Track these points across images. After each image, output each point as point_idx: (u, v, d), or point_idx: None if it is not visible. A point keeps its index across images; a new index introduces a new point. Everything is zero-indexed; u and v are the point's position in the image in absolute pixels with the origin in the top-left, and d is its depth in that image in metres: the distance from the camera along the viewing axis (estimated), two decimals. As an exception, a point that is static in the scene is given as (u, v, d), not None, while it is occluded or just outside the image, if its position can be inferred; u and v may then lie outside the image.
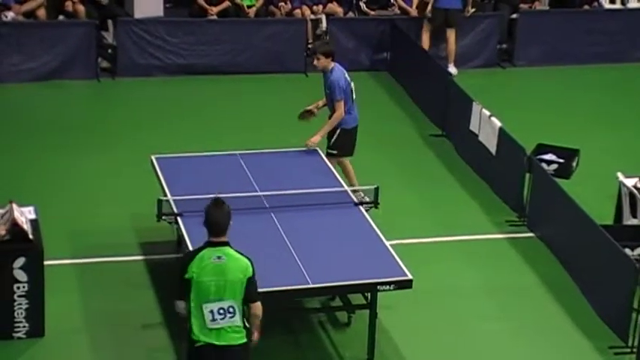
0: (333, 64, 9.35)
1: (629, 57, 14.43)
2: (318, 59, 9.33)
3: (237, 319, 6.24)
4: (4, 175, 10.29)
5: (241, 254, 6.29)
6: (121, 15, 13.49)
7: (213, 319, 6.17)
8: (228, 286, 6.18)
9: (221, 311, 6.17)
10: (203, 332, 6.24)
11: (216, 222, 6.22)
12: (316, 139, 9.29)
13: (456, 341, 8.12)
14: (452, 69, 13.47)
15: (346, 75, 9.49)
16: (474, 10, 13.73)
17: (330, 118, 9.45)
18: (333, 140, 9.60)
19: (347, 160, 9.70)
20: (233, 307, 6.21)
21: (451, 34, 13.44)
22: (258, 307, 6.34)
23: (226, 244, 6.26)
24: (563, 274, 9.10)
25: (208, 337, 6.23)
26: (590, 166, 11.11)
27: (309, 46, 13.81)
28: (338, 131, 9.56)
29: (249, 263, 6.28)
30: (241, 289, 6.21)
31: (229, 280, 6.18)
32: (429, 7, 13.57)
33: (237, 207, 8.09)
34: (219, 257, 6.19)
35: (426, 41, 13.46)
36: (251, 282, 6.26)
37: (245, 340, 6.33)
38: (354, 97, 9.60)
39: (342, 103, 9.33)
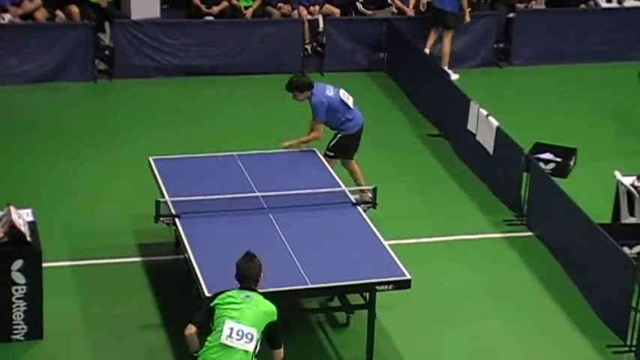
0: (310, 92, 9.40)
1: (625, 56, 14.43)
2: (295, 96, 9.44)
3: (251, 348, 6.24)
4: (2, 177, 10.28)
5: (266, 299, 6.42)
6: (118, 16, 13.49)
7: (230, 336, 6.21)
8: (252, 315, 6.26)
9: (240, 333, 6.22)
10: (212, 351, 6.22)
11: (246, 275, 6.39)
12: (286, 144, 9.33)
13: (455, 341, 8.12)
14: (447, 71, 13.44)
15: (328, 91, 9.49)
16: (469, 13, 13.62)
17: (307, 134, 9.42)
18: (332, 143, 9.61)
19: (352, 161, 9.71)
20: (252, 335, 6.25)
21: (445, 36, 13.39)
22: (280, 355, 6.46)
23: (255, 291, 6.40)
24: (561, 273, 9.10)
25: (214, 357, 6.21)
26: (588, 165, 11.12)
27: (306, 46, 13.83)
28: (339, 135, 9.58)
29: (275, 309, 6.38)
30: (262, 325, 6.29)
31: (253, 313, 6.27)
32: (423, 2, 13.54)
33: (235, 208, 8.14)
34: (247, 296, 6.34)
35: (430, 42, 13.41)
36: (275, 327, 6.37)
37: None
38: (349, 103, 9.60)
39: (320, 126, 9.39)
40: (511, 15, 14.38)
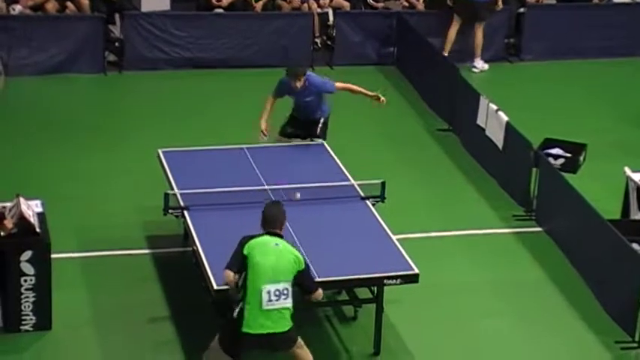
0: (305, 79, 9.45)
1: (637, 51, 14.39)
2: (300, 79, 9.39)
3: (289, 302, 6.62)
4: (12, 168, 10.30)
5: (293, 246, 6.80)
6: (128, 8, 13.49)
7: (270, 300, 6.53)
8: (283, 270, 6.59)
9: (277, 292, 6.55)
10: (256, 317, 6.53)
11: (273, 215, 6.81)
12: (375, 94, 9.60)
13: (462, 335, 8.11)
14: (478, 63, 13.47)
15: None
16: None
17: (358, 90, 9.69)
18: (319, 131, 9.58)
19: None
20: (287, 290, 6.59)
21: (479, 28, 13.41)
22: (320, 294, 6.88)
23: (281, 236, 6.74)
24: (569, 268, 9.09)
25: (260, 322, 6.53)
26: (597, 161, 11.09)
27: (316, 39, 13.82)
28: (322, 120, 9.60)
29: (300, 255, 6.73)
30: (292, 274, 6.63)
31: (284, 265, 6.60)
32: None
33: (243, 201, 8.14)
34: (276, 244, 6.64)
35: (452, 36, 13.42)
36: (306, 274, 6.75)
37: (291, 325, 6.69)
38: None
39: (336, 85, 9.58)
40: (522, 10, 14.33)
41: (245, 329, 6.56)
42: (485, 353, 7.99)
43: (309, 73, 9.52)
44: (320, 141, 9.39)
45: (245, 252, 6.63)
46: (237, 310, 6.59)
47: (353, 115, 12.17)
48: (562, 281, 8.89)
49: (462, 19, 13.47)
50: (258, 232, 7.70)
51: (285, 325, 6.65)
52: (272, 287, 6.55)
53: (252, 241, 6.68)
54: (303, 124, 9.64)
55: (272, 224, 6.78)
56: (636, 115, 12.56)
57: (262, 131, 9.52)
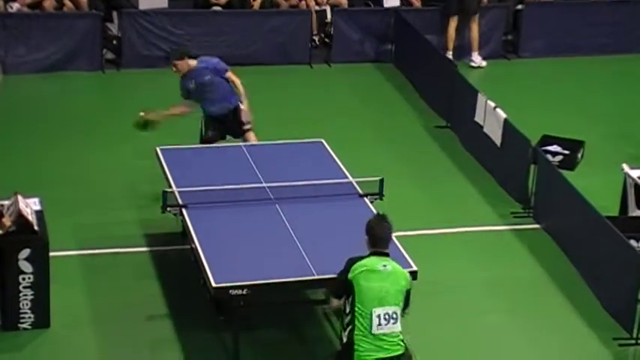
0: (197, 60, 9.64)
1: (634, 48, 14.38)
2: (175, 66, 9.57)
3: (399, 327, 6.37)
4: (10, 166, 10.30)
5: (400, 266, 6.49)
6: (126, 6, 13.49)
7: (379, 324, 6.28)
8: (393, 293, 6.33)
9: (386, 316, 6.30)
10: (367, 342, 6.29)
11: (381, 236, 6.40)
12: (244, 107, 9.68)
13: (460, 333, 8.12)
14: (476, 57, 13.48)
15: None
16: None
17: (241, 91, 9.75)
18: (243, 115, 9.70)
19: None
20: (396, 314, 6.35)
21: (474, 22, 13.44)
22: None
23: (388, 255, 6.42)
24: (568, 265, 9.09)
25: (372, 347, 6.29)
26: (596, 158, 11.10)
27: (314, 37, 13.82)
28: (240, 106, 9.70)
29: (409, 275, 6.48)
30: (402, 297, 6.39)
31: (394, 287, 6.33)
32: None
33: (241, 198, 8.14)
34: (384, 265, 6.34)
35: (452, 34, 13.43)
36: (409, 293, 6.48)
37: (404, 348, 6.44)
38: None
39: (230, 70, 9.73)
40: (520, 7, 14.33)
41: (357, 357, 6.29)
42: (483, 350, 8.00)
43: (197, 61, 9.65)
44: (319, 139, 9.38)
45: (350, 276, 6.30)
46: (345, 335, 6.34)
47: (350, 113, 12.19)
48: (560, 278, 8.90)
49: (456, 16, 13.47)
50: (258, 229, 7.72)
51: (398, 349, 6.37)
52: (382, 311, 6.28)
53: (358, 265, 6.31)
54: (224, 119, 9.69)
55: (381, 244, 6.38)
56: (634, 112, 12.57)
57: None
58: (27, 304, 7.73)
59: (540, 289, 8.75)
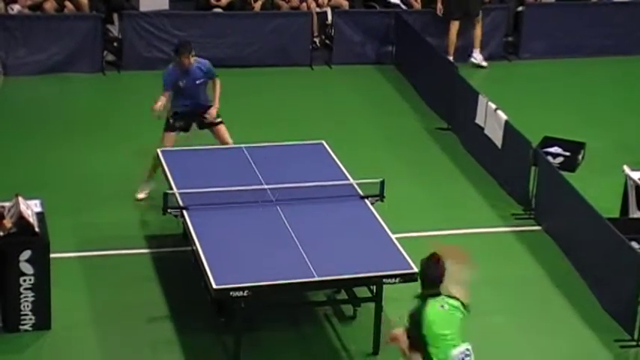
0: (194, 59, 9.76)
1: (635, 49, 14.38)
2: (188, 57, 9.62)
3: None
4: (11, 167, 10.30)
5: (451, 296, 6.39)
6: (127, 8, 13.49)
7: None
8: (458, 329, 6.31)
9: (463, 357, 6.31)
10: None
11: (434, 278, 6.28)
12: (215, 111, 9.74)
13: (462, 334, 8.09)
14: (477, 55, 13.49)
15: None
16: None
17: (217, 94, 9.83)
18: (209, 115, 9.77)
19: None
20: (469, 350, 6.36)
21: (478, 23, 13.47)
22: None
23: (440, 292, 6.32)
24: (569, 267, 9.09)
25: None
26: (596, 159, 11.09)
27: (315, 39, 13.82)
28: (212, 108, 9.81)
29: (459, 303, 6.42)
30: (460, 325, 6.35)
31: (457, 324, 6.32)
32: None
33: (242, 200, 8.14)
34: (442, 306, 6.28)
35: (453, 37, 13.44)
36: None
37: None
38: None
39: None
40: (520, 8, 14.33)
41: None
42: (484, 352, 7.95)
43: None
44: (320, 140, 9.39)
45: (424, 332, 6.21)
46: None
47: (352, 114, 12.19)
48: (561, 280, 8.90)
49: (458, 18, 13.48)
50: (259, 231, 7.71)
51: None
52: (456, 351, 6.27)
53: (425, 318, 6.18)
54: (191, 113, 9.78)
55: (435, 285, 6.28)
56: (635, 114, 12.56)
57: (156, 109, 9.66)
58: (28, 306, 7.73)
59: (541, 291, 8.75)
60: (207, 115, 9.74)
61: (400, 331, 6.32)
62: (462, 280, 6.38)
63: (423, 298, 6.26)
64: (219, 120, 9.85)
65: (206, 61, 9.85)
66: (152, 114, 9.58)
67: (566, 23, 14.22)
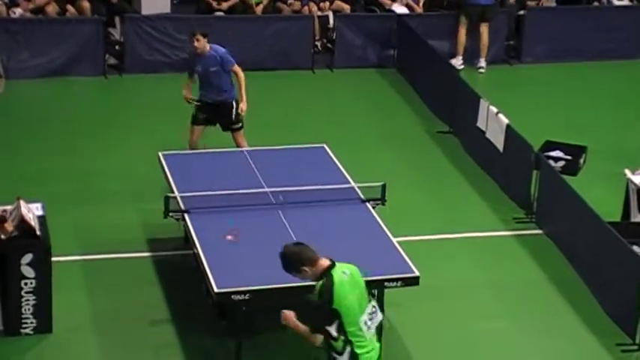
0: (209, 44, 9.77)
1: (637, 53, 14.39)
2: (198, 40, 9.68)
3: (381, 314, 6.35)
4: (12, 171, 10.31)
5: (344, 263, 6.35)
6: (129, 11, 13.51)
7: (369, 328, 6.24)
8: (363, 293, 6.25)
9: (370, 316, 6.25)
10: (367, 346, 6.23)
11: (312, 251, 6.21)
12: (246, 105, 9.80)
13: (463, 338, 8.11)
14: (483, 63, 13.52)
15: None
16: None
17: (242, 87, 9.82)
18: (235, 116, 9.78)
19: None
20: (374, 307, 6.31)
21: (485, 29, 13.49)
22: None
23: (334, 261, 6.28)
24: (570, 271, 9.08)
25: (372, 345, 6.25)
26: (598, 163, 11.09)
27: (316, 42, 13.83)
28: (234, 104, 9.80)
29: (356, 266, 6.36)
30: (366, 287, 6.31)
31: (361, 288, 6.25)
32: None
33: (244, 203, 8.14)
34: (344, 273, 6.22)
35: (462, 38, 13.48)
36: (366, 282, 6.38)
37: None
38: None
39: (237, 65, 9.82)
40: (522, 12, 14.34)
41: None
42: (485, 356, 7.99)
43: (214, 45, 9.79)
44: (321, 144, 9.40)
45: (335, 306, 6.11)
46: (346, 356, 6.21)
47: (353, 118, 12.20)
48: (563, 283, 8.89)
49: (469, 21, 13.51)
50: (260, 234, 7.70)
51: (379, 338, 6.36)
52: (365, 315, 6.22)
53: (335, 292, 6.08)
54: (213, 107, 9.82)
55: (320, 256, 6.17)
56: (636, 117, 12.56)
57: (187, 99, 9.86)
58: (29, 309, 7.73)
59: (542, 295, 8.74)
60: (239, 110, 9.74)
61: (290, 312, 6.24)
62: None
63: (324, 275, 6.16)
64: (236, 127, 9.84)
65: (223, 50, 9.82)
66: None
67: (568, 27, 14.23)
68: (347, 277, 6.16)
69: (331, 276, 6.10)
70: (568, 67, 14.08)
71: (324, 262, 6.18)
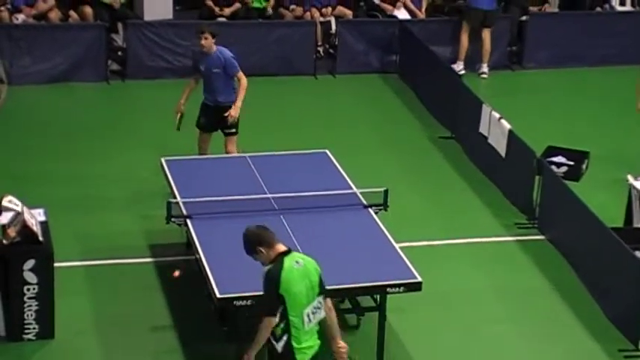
0: (216, 45, 9.68)
1: (639, 59, 14.36)
2: (206, 38, 9.62)
3: (323, 312, 6.39)
4: (14, 177, 10.31)
5: (304, 254, 6.47)
6: (131, 17, 13.53)
7: (310, 321, 6.30)
8: (314, 285, 6.33)
9: (314, 310, 6.32)
10: (302, 339, 6.28)
11: (271, 235, 6.32)
12: (237, 111, 9.67)
13: (466, 344, 8.10)
14: (485, 68, 13.53)
15: None
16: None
17: (241, 92, 9.71)
18: (230, 120, 9.70)
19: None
20: (320, 302, 6.37)
21: (487, 35, 13.50)
22: (329, 301, 6.53)
23: (290, 249, 6.37)
24: (572, 276, 9.08)
25: (308, 341, 6.30)
26: (600, 169, 11.09)
27: (319, 48, 13.84)
28: (233, 107, 9.73)
29: (313, 259, 6.45)
30: (319, 283, 6.38)
31: (313, 280, 6.33)
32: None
33: (246, 209, 8.14)
34: (297, 262, 6.29)
35: (465, 43, 13.49)
36: (321, 276, 6.43)
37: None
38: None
39: (241, 72, 9.72)
40: (524, 18, 14.35)
41: (301, 358, 6.28)
42: (488, 361, 7.99)
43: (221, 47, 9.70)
44: (324, 149, 9.39)
45: (281, 292, 6.20)
46: (281, 345, 6.29)
47: (355, 123, 12.20)
48: (565, 289, 8.88)
49: (472, 27, 13.52)
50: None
51: (320, 335, 6.41)
52: (309, 308, 6.28)
53: (283, 276, 6.18)
54: (213, 111, 9.80)
55: (277, 241, 6.32)
56: (639, 123, 12.55)
57: (177, 109, 9.85)
58: (31, 315, 7.73)
59: (545, 300, 8.73)
60: (227, 116, 9.67)
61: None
62: None
63: (277, 260, 6.25)
64: (229, 131, 9.81)
65: (229, 54, 9.72)
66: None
67: (570, 32, 14.23)
68: (299, 266, 6.25)
69: (282, 261, 6.22)
70: (570, 72, 14.08)
71: (280, 248, 6.30)
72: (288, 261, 6.25)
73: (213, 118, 9.86)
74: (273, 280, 6.20)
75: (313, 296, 6.29)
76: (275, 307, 6.21)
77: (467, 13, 13.57)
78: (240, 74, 9.76)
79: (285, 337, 6.27)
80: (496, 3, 13.64)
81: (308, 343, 6.30)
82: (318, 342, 6.38)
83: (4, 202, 7.60)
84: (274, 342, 6.32)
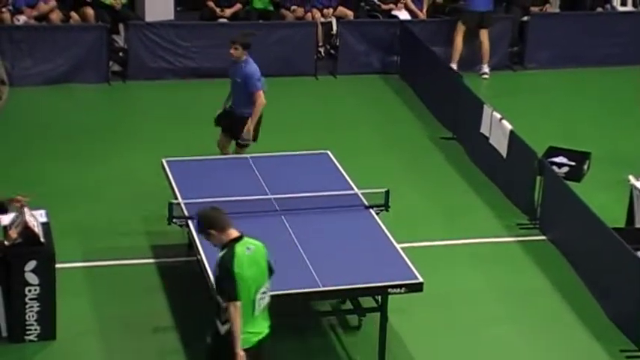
0: (246, 56, 9.61)
1: (640, 59, 14.41)
2: (236, 49, 9.58)
3: (268, 298, 6.50)
4: (16, 178, 10.31)
5: (255, 239, 6.54)
6: (132, 18, 13.53)
7: (259, 306, 6.41)
8: (264, 270, 6.46)
9: (262, 296, 6.42)
10: (250, 324, 6.34)
11: (224, 218, 6.42)
12: (248, 131, 9.61)
13: (467, 344, 8.10)
14: (486, 69, 13.54)
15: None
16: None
17: (256, 113, 9.64)
18: (239, 131, 9.67)
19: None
20: (267, 288, 6.48)
21: (485, 35, 13.52)
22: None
23: (242, 235, 6.47)
24: (574, 277, 9.08)
25: (255, 327, 6.37)
26: (602, 169, 11.08)
27: (320, 48, 13.84)
28: (245, 121, 9.68)
29: (261, 244, 6.54)
30: (268, 267, 6.51)
31: (262, 266, 6.45)
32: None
33: (248, 210, 8.15)
34: (248, 249, 6.41)
35: (459, 44, 13.50)
36: (269, 262, 6.56)
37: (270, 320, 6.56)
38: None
39: (262, 92, 9.60)
40: (525, 18, 14.35)
41: (245, 345, 6.33)
42: (489, 362, 7.99)
43: (250, 59, 9.60)
44: (325, 150, 9.40)
45: (236, 277, 6.29)
46: (226, 328, 6.33)
47: (356, 124, 12.21)
48: (566, 289, 8.88)
49: (468, 28, 13.52)
50: (264, 241, 7.69)
51: (269, 321, 6.51)
52: (258, 294, 6.38)
53: (236, 261, 6.28)
54: (228, 115, 9.81)
55: (230, 225, 6.38)
56: (640, 123, 12.57)
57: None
58: (33, 316, 7.73)
59: (546, 301, 8.73)
60: (239, 127, 9.64)
61: None
62: None
63: (229, 245, 6.34)
64: (242, 142, 9.75)
65: (255, 68, 9.58)
66: None
67: (571, 33, 14.23)
68: (249, 252, 6.36)
69: (234, 247, 6.31)
70: (571, 73, 14.08)
71: (233, 233, 6.39)
72: (239, 247, 6.36)
73: (226, 121, 9.83)
74: (226, 267, 6.31)
75: (262, 282, 6.40)
76: (234, 292, 6.29)
77: (463, 14, 13.56)
78: (258, 94, 9.57)
79: (229, 323, 6.34)
80: (493, 4, 13.62)
81: (254, 329, 6.39)
82: (267, 331, 6.48)
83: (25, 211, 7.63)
84: (219, 324, 6.39)
